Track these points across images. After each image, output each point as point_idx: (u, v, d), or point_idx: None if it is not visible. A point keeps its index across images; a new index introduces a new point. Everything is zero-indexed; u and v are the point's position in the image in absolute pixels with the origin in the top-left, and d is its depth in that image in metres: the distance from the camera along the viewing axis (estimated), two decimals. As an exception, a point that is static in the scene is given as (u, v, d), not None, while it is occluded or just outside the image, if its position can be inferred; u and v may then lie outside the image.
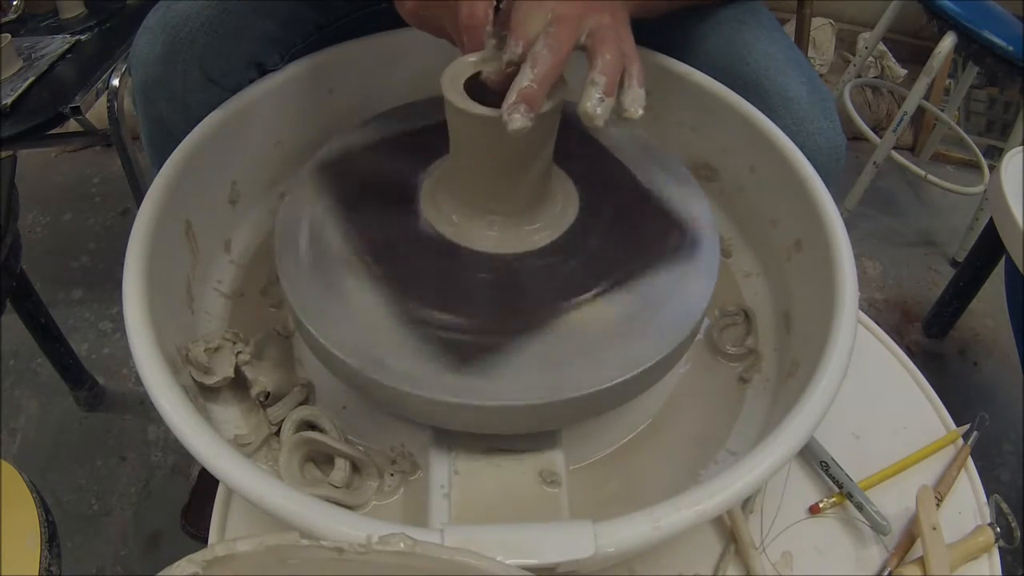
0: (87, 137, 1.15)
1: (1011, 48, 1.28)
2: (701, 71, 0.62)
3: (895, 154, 1.56)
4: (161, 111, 0.61)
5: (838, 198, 0.53)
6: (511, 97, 0.41)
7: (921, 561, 0.50)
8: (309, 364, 0.53)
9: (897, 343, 0.67)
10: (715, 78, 0.62)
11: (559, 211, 0.51)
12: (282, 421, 0.49)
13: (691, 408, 0.53)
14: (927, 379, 0.65)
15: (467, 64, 0.45)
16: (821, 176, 0.54)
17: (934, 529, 0.51)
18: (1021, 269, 0.92)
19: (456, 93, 0.44)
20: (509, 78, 0.42)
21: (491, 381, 0.42)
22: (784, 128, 0.58)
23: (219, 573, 0.27)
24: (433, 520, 0.42)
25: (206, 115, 0.57)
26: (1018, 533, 0.55)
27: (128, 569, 0.99)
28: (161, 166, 0.52)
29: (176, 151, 0.53)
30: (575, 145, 0.56)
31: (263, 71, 0.61)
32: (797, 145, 0.56)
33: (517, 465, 0.45)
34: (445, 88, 0.44)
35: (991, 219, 1.06)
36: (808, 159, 0.55)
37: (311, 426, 0.49)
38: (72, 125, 1.05)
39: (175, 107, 0.60)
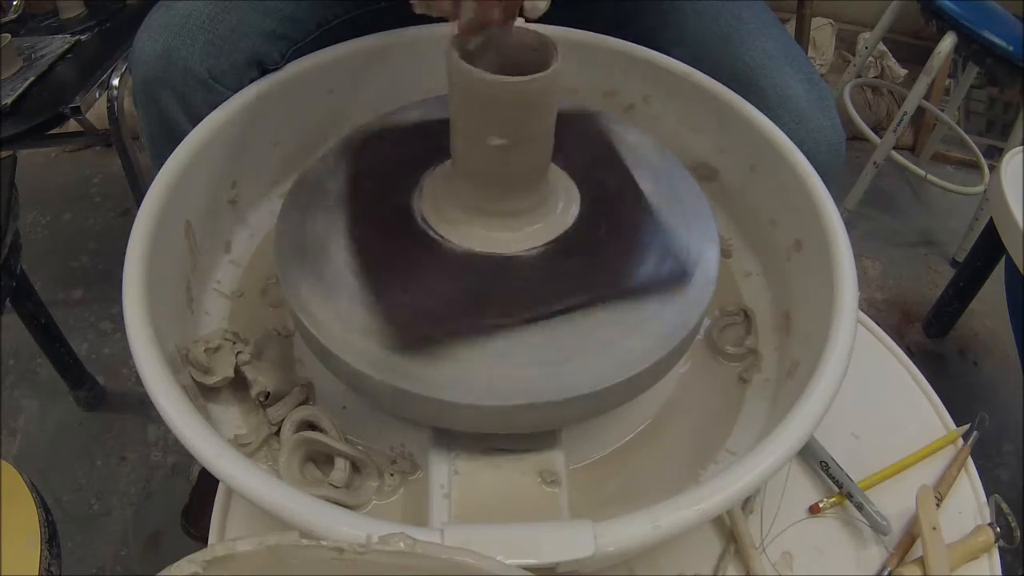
0: (87, 137, 1.15)
1: (1011, 48, 1.28)
2: (699, 69, 0.62)
3: (895, 154, 1.56)
4: (162, 109, 0.61)
5: (839, 196, 0.53)
6: None
7: (921, 561, 0.50)
8: (309, 364, 0.53)
9: (897, 343, 0.67)
10: (713, 76, 0.62)
11: (558, 214, 0.51)
12: (282, 421, 0.49)
13: (691, 408, 0.53)
14: (927, 379, 0.65)
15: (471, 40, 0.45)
16: (821, 173, 0.54)
17: (934, 529, 0.51)
18: (1021, 269, 0.92)
19: (461, 60, 0.43)
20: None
21: (488, 380, 0.42)
22: (783, 126, 0.58)
23: (219, 573, 0.27)
24: (433, 520, 0.42)
25: (207, 112, 0.57)
26: (1018, 533, 0.55)
27: (128, 569, 0.99)
28: (162, 162, 0.52)
29: (176, 151, 0.53)
30: (591, 155, 0.56)
31: (263, 69, 0.61)
32: (797, 143, 0.56)
33: (517, 465, 0.45)
34: (450, 56, 0.43)
35: (991, 219, 1.06)
36: (808, 156, 0.55)
37: (311, 426, 0.49)
38: (72, 125, 1.05)
39: (176, 105, 0.60)
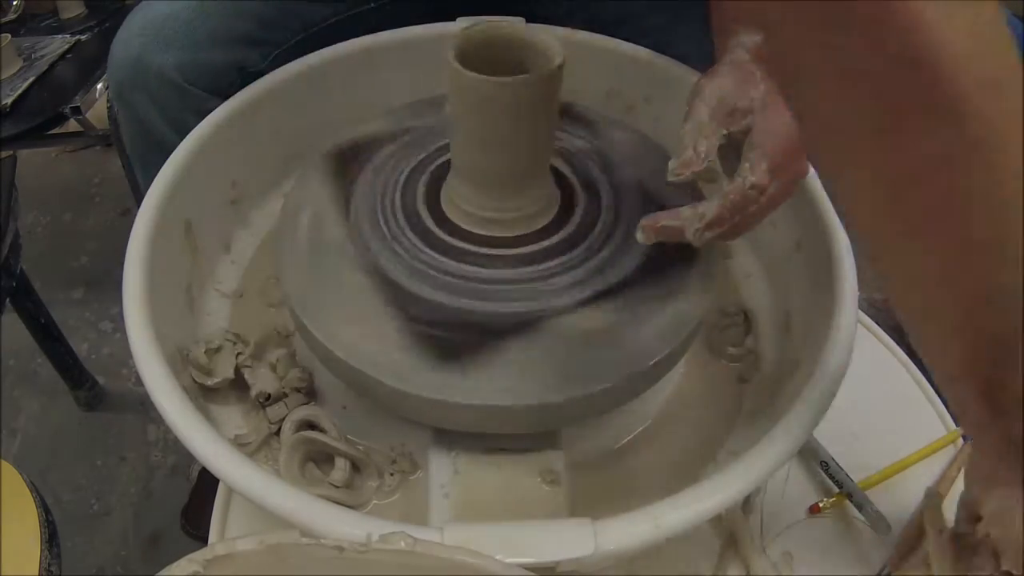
0: (87, 137, 1.15)
1: (1011, 48, 1.28)
2: (699, 67, 0.62)
3: (895, 154, 1.56)
4: (138, 113, 0.61)
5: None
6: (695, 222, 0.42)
7: (922, 560, 0.50)
8: (309, 364, 0.53)
9: (897, 343, 0.67)
10: None
11: (559, 214, 0.51)
12: (282, 421, 0.49)
13: (691, 408, 0.53)
14: (927, 379, 0.65)
15: (470, 38, 0.45)
16: None
17: (940, 532, 0.51)
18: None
19: (459, 62, 0.43)
20: None
21: (488, 380, 0.42)
22: None
23: (220, 572, 0.27)
24: (433, 519, 0.42)
25: (183, 115, 0.57)
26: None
27: (128, 569, 0.99)
28: (143, 164, 0.52)
29: (176, 151, 0.53)
30: (585, 152, 0.56)
31: (244, 73, 0.60)
32: None
33: (517, 465, 0.45)
34: (449, 59, 0.43)
35: (991, 219, 1.05)
36: None
37: (311, 426, 0.49)
38: (72, 125, 1.06)
39: (151, 108, 0.60)
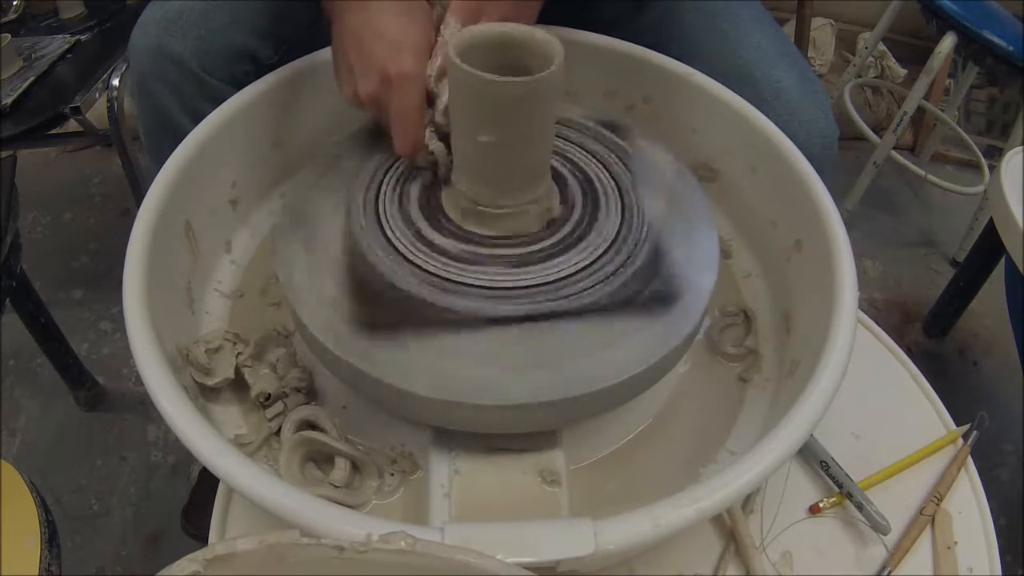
0: (87, 137, 1.15)
1: (1011, 48, 1.29)
2: (695, 64, 0.63)
3: (895, 154, 1.56)
4: (157, 102, 0.62)
5: (832, 190, 0.53)
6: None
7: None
8: (309, 364, 0.53)
9: (897, 343, 0.67)
10: (708, 71, 0.62)
11: (556, 216, 0.51)
12: (282, 420, 0.49)
13: (691, 408, 0.53)
14: (927, 379, 0.65)
15: (471, 36, 0.45)
16: (814, 166, 0.54)
17: (948, 549, 0.51)
18: (1021, 269, 0.92)
19: (460, 60, 0.43)
20: None
21: (488, 379, 0.42)
22: (776, 119, 0.58)
23: (220, 572, 0.27)
24: (433, 520, 0.42)
25: (201, 105, 0.58)
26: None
27: (128, 569, 0.99)
28: (158, 156, 0.53)
29: (176, 151, 0.53)
30: (588, 153, 0.56)
31: (258, 64, 0.61)
32: (789, 135, 0.57)
33: (517, 465, 0.45)
34: (451, 56, 0.43)
35: (991, 219, 1.06)
36: (801, 149, 0.56)
37: (311, 426, 0.49)
38: (72, 125, 1.06)
39: (170, 98, 0.61)
